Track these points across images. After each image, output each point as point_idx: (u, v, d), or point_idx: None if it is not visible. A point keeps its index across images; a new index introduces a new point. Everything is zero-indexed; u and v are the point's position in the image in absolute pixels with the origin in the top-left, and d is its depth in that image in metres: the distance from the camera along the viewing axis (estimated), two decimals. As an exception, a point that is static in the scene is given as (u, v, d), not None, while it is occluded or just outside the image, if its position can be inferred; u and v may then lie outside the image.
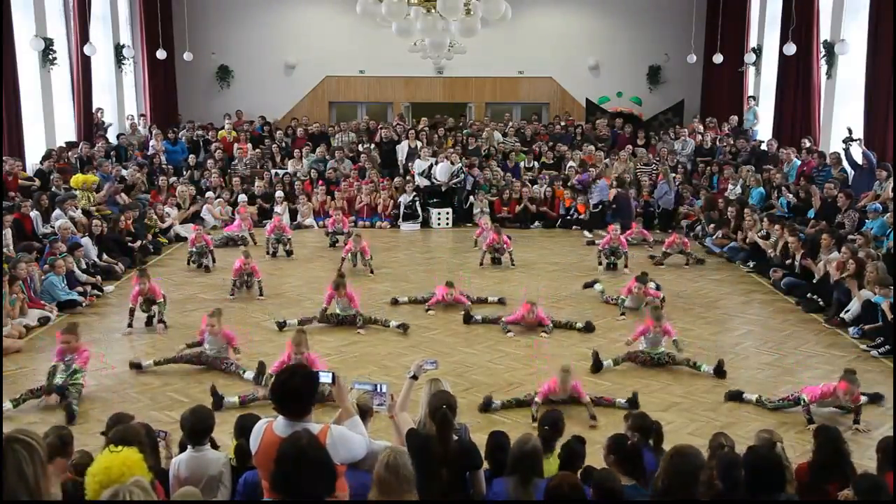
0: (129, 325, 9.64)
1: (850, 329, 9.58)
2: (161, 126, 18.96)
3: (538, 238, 15.62)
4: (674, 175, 16.50)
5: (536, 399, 7.23)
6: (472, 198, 16.83)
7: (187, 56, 19.68)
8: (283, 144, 19.02)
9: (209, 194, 16.42)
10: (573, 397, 7.27)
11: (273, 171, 17.71)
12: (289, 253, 13.66)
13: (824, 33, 15.56)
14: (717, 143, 18.16)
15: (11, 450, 2.60)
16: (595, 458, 5.15)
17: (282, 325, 9.64)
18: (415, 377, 5.01)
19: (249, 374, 8.03)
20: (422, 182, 17.10)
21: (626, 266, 12.62)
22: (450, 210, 16.83)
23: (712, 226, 14.61)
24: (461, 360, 8.61)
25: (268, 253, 13.63)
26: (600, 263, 12.87)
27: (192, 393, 7.70)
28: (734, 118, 18.92)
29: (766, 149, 16.84)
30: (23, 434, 2.73)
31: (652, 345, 8.45)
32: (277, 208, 16.17)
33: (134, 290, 9.69)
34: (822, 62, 15.47)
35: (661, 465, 4.12)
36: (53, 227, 12.20)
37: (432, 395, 4.78)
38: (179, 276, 12.42)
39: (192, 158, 17.95)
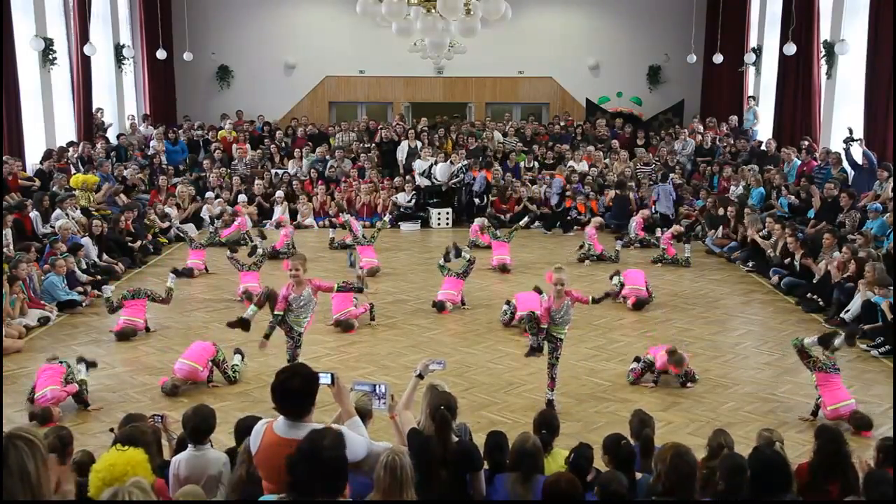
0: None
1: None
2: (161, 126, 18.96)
3: (538, 238, 15.62)
4: (670, 176, 16.48)
5: (542, 325, 7.18)
6: (485, 197, 16.89)
7: (187, 56, 19.67)
8: (283, 144, 19.01)
9: (209, 194, 16.41)
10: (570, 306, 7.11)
11: (273, 171, 17.71)
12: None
13: (824, 33, 15.55)
14: (717, 143, 18.16)
15: (13, 446, 2.60)
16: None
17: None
18: (420, 376, 4.99)
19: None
20: (422, 182, 17.11)
21: (615, 262, 12.83)
22: (450, 210, 16.85)
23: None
24: (461, 360, 8.61)
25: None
26: (581, 260, 13.13)
27: (192, 392, 7.71)
28: (734, 118, 18.92)
29: (765, 149, 16.84)
30: (24, 431, 2.74)
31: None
32: (277, 208, 16.15)
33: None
34: (822, 62, 15.46)
35: (661, 466, 4.10)
36: (53, 227, 12.20)
37: (432, 395, 4.77)
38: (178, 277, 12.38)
39: (191, 158, 17.95)
